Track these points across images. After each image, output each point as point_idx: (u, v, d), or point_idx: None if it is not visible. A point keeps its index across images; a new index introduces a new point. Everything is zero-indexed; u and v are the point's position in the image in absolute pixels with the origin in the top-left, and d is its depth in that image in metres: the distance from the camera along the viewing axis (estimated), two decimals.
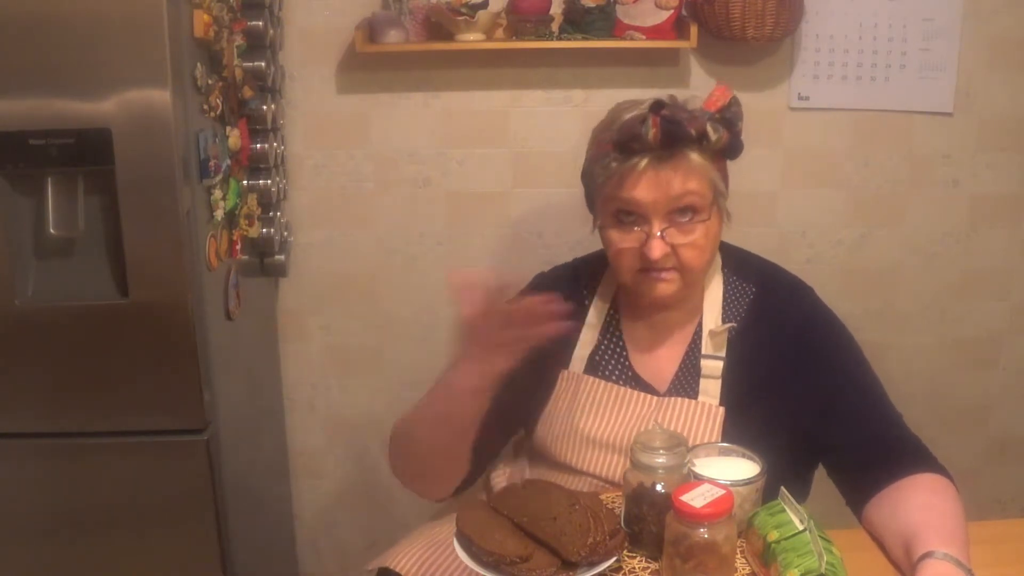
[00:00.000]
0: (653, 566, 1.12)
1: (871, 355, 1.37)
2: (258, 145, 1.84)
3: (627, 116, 1.26)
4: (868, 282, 2.21)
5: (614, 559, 1.07)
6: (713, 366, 1.33)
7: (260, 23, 1.77)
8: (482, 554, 1.05)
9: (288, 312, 2.20)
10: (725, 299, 1.38)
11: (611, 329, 1.41)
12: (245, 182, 1.83)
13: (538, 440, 1.41)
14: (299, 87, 2.04)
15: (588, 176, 1.34)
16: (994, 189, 2.16)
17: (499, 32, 1.97)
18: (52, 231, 1.48)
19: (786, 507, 1.09)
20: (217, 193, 1.62)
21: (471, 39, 1.91)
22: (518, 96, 2.06)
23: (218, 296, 1.66)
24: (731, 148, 1.28)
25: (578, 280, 1.45)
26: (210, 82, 1.57)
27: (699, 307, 1.38)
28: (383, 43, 1.92)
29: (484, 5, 1.89)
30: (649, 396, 1.35)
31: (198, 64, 1.53)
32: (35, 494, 1.60)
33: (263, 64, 1.80)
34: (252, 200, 1.84)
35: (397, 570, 1.23)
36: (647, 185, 1.24)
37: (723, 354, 1.34)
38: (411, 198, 2.12)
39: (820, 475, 1.37)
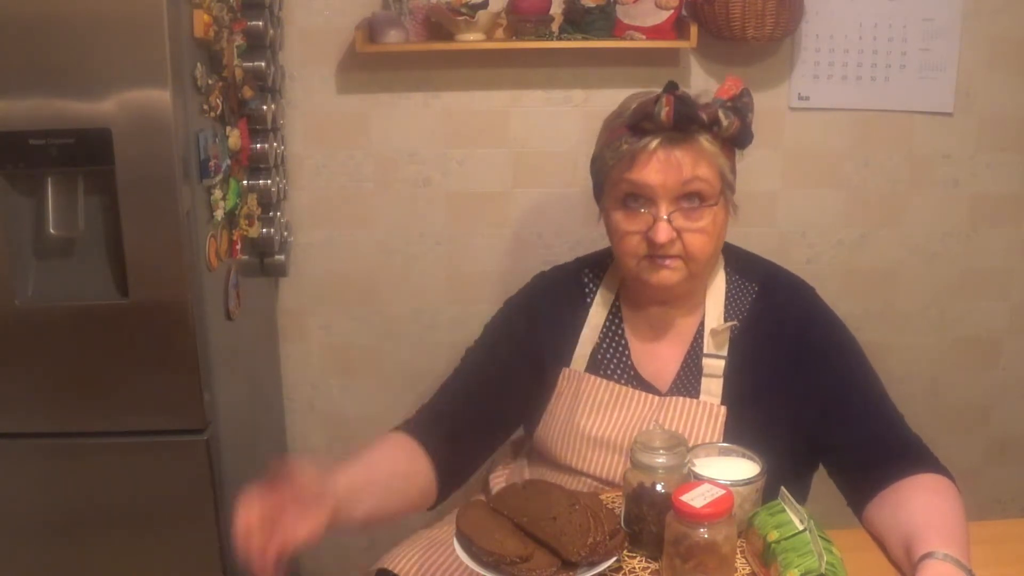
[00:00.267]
0: (653, 566, 1.12)
1: (871, 355, 1.37)
2: (258, 145, 1.84)
3: (639, 103, 1.27)
4: (868, 282, 2.21)
5: (614, 559, 1.07)
6: (715, 365, 1.33)
7: (260, 23, 1.77)
8: (482, 554, 1.05)
9: (288, 312, 2.20)
10: (727, 298, 1.38)
11: (613, 327, 1.41)
12: (245, 182, 1.83)
13: (538, 440, 1.42)
14: (299, 87, 2.04)
15: (598, 162, 1.34)
16: (994, 189, 2.16)
17: (499, 32, 1.97)
18: (52, 231, 1.48)
19: (786, 507, 1.09)
20: (217, 193, 1.62)
21: (471, 39, 1.91)
22: (518, 96, 2.06)
23: (218, 296, 1.66)
24: (741, 136, 1.29)
25: (580, 278, 1.45)
26: (210, 82, 1.57)
27: (701, 305, 1.38)
28: (383, 43, 1.92)
29: (484, 5, 1.89)
30: (650, 395, 1.35)
31: (198, 64, 1.53)
32: (35, 494, 1.60)
33: (263, 64, 1.80)
34: (252, 200, 1.84)
35: (396, 572, 1.23)
36: (658, 166, 1.25)
37: (725, 353, 1.34)
38: (411, 198, 2.12)
39: (820, 475, 1.37)
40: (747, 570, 1.11)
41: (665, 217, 1.25)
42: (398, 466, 1.28)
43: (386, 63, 2.02)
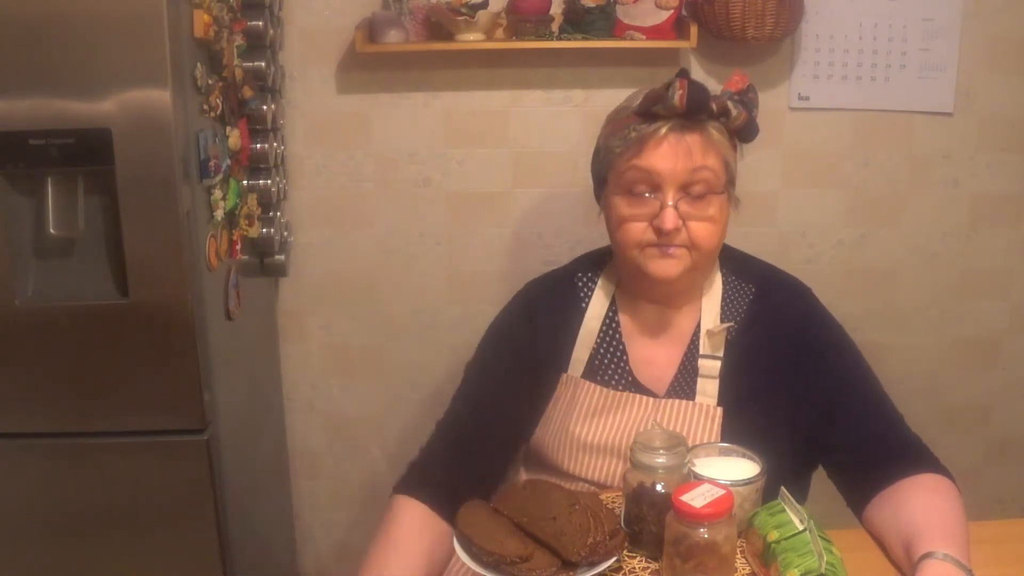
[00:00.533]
0: (653, 566, 1.12)
1: (871, 355, 1.37)
2: (258, 145, 1.84)
3: (650, 90, 1.27)
4: (868, 282, 2.21)
5: (614, 559, 1.07)
6: (711, 366, 1.33)
7: (260, 23, 1.77)
8: (482, 554, 1.05)
9: (288, 312, 2.20)
10: (724, 299, 1.37)
11: (610, 330, 1.40)
12: (245, 182, 1.83)
13: (535, 445, 1.41)
14: (299, 87, 2.04)
15: (601, 154, 1.34)
16: (994, 189, 2.16)
17: (499, 32, 1.97)
18: (52, 231, 1.48)
19: (786, 507, 1.09)
20: (217, 193, 1.62)
21: (471, 39, 1.91)
22: (518, 96, 2.06)
23: (218, 296, 1.66)
24: (748, 129, 1.30)
25: (574, 281, 1.44)
26: (210, 82, 1.57)
27: (698, 307, 1.38)
28: (383, 43, 1.92)
29: (484, 5, 1.89)
30: (646, 398, 1.35)
31: (198, 64, 1.52)
32: (35, 494, 1.60)
33: (263, 64, 1.80)
34: (252, 200, 1.84)
35: None
36: (668, 150, 1.25)
37: (721, 354, 1.34)
38: (411, 198, 2.12)
39: (820, 475, 1.37)
40: (747, 570, 1.11)
41: (672, 204, 1.25)
42: (428, 551, 1.23)
43: (386, 63, 2.02)
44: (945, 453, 1.28)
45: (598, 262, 1.45)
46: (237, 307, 1.75)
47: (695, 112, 1.25)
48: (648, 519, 1.10)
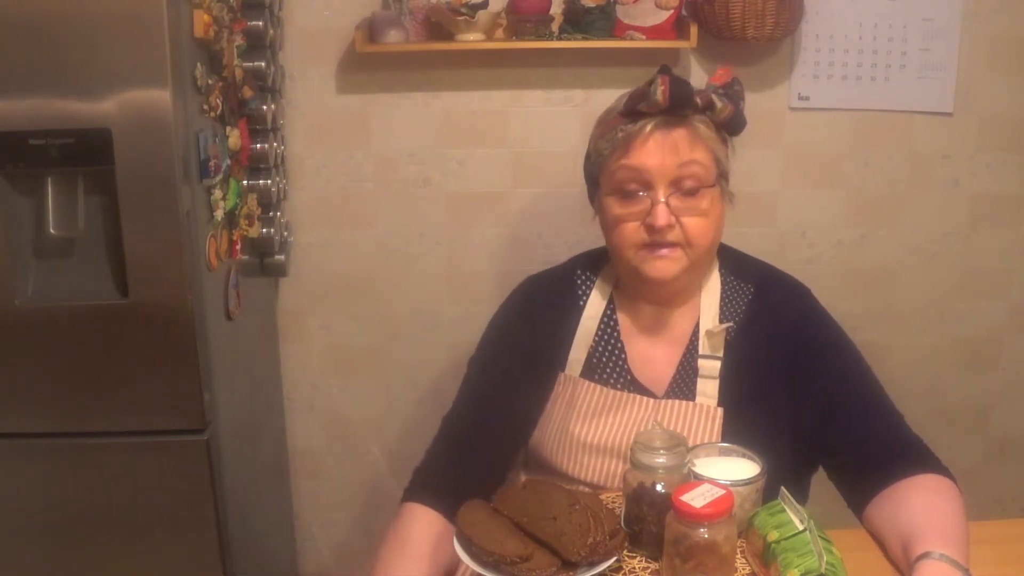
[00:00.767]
0: (653, 566, 1.12)
1: (871, 355, 1.37)
2: (258, 145, 1.84)
3: (634, 89, 1.28)
4: (868, 282, 2.21)
5: (614, 559, 1.07)
6: (711, 366, 1.33)
7: (260, 23, 1.77)
8: (482, 554, 1.05)
9: (288, 312, 2.20)
10: (723, 299, 1.37)
11: (609, 329, 1.40)
12: (245, 182, 1.83)
13: (535, 446, 1.40)
14: (299, 87, 2.04)
15: (592, 157, 1.34)
16: (994, 189, 2.16)
17: (499, 32, 1.97)
18: (52, 231, 1.48)
19: (786, 507, 1.09)
20: (217, 193, 1.62)
21: (471, 39, 1.91)
22: (518, 96, 2.06)
23: (218, 296, 1.66)
24: (734, 121, 1.30)
25: (573, 279, 1.44)
26: (210, 82, 1.57)
27: (697, 306, 1.37)
28: (383, 43, 1.92)
29: (484, 5, 1.89)
30: (647, 399, 1.34)
31: (198, 64, 1.52)
32: (35, 494, 1.59)
33: (263, 64, 1.80)
34: (252, 200, 1.84)
35: None
36: (654, 148, 1.25)
37: (721, 354, 1.34)
38: (411, 198, 2.12)
39: (820, 475, 1.37)
40: (747, 570, 1.11)
41: (663, 200, 1.25)
42: (437, 556, 1.23)
43: (386, 63, 2.02)
44: (945, 453, 1.28)
45: (596, 261, 1.45)
46: (237, 307, 1.75)
47: (679, 107, 1.25)
48: (648, 519, 1.10)
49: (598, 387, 1.36)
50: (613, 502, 1.22)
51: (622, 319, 1.40)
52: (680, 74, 2.00)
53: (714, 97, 1.27)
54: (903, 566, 1.10)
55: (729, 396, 1.32)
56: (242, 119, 1.78)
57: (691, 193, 1.26)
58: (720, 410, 1.31)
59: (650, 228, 1.26)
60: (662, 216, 1.25)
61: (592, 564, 1.05)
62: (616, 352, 1.39)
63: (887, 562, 1.15)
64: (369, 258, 2.16)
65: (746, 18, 1.86)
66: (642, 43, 1.91)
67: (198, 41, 1.52)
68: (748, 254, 1.45)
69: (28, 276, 1.51)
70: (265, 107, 1.83)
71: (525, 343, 1.40)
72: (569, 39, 1.92)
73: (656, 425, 1.17)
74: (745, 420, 1.30)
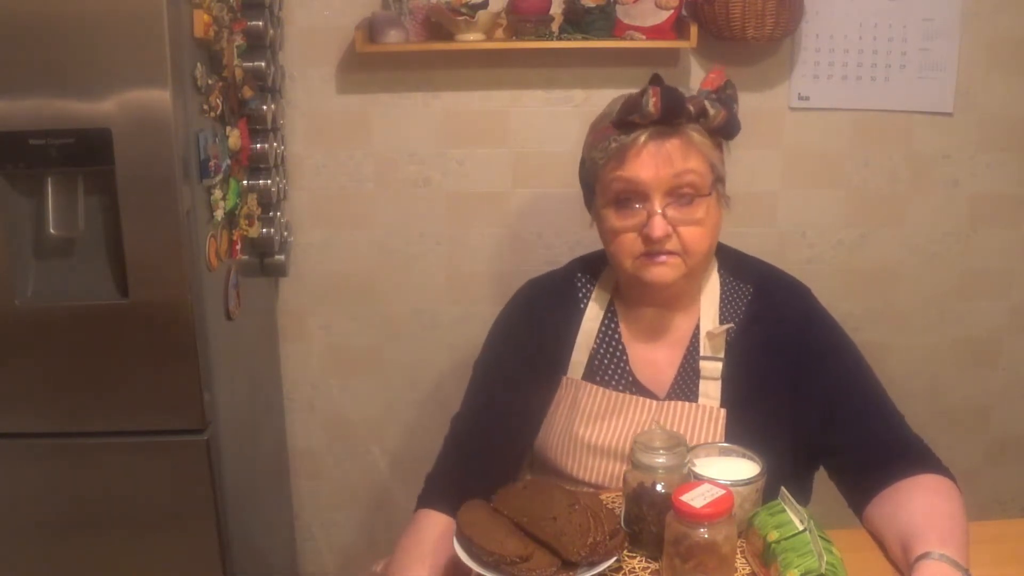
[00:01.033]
0: (653, 566, 1.12)
1: (871, 355, 1.37)
2: (258, 145, 1.84)
3: (625, 99, 1.27)
4: (868, 282, 2.21)
5: (614, 559, 1.07)
6: (712, 367, 1.33)
7: (260, 23, 1.77)
8: (482, 554, 1.05)
9: (288, 312, 2.20)
10: (722, 300, 1.37)
11: (610, 332, 1.40)
12: (245, 182, 1.83)
13: (539, 449, 1.41)
14: (299, 87, 2.04)
15: (587, 165, 1.34)
16: (994, 189, 2.16)
17: (499, 32, 1.97)
18: (52, 231, 1.48)
19: (786, 507, 1.09)
20: (217, 193, 1.62)
21: (471, 39, 1.91)
22: (518, 96, 2.06)
23: (218, 296, 1.66)
24: (728, 126, 1.28)
25: (573, 282, 1.44)
26: (210, 82, 1.57)
27: (696, 307, 1.37)
28: (383, 43, 1.92)
29: (484, 5, 1.89)
30: (649, 401, 1.35)
31: (198, 64, 1.52)
32: (35, 494, 1.60)
33: (263, 64, 1.80)
34: (252, 200, 1.84)
35: None
36: (648, 160, 1.24)
37: (722, 355, 1.34)
38: (411, 198, 2.12)
39: (820, 475, 1.37)
40: (747, 570, 1.11)
41: (659, 211, 1.25)
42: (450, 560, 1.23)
43: (386, 63, 2.02)
44: (945, 453, 1.28)
45: (595, 264, 1.45)
46: (237, 307, 1.75)
47: (671, 117, 1.24)
48: (648, 519, 1.10)
49: (600, 389, 1.36)
50: (613, 502, 1.22)
51: (622, 321, 1.41)
52: (680, 74, 2.02)
53: (707, 104, 1.26)
54: (903, 566, 1.10)
55: (731, 397, 1.32)
56: (242, 119, 1.78)
57: (687, 203, 1.26)
58: (723, 411, 1.31)
59: (647, 239, 1.26)
60: (659, 228, 1.25)
61: (592, 564, 1.05)
62: (617, 354, 1.39)
63: (887, 562, 1.15)
64: (369, 258, 2.16)
65: (746, 18, 1.86)
66: (642, 43, 1.91)
67: (198, 41, 1.52)
68: (747, 254, 1.45)
69: (28, 276, 1.51)
70: (265, 107, 1.83)
71: (528, 346, 1.40)
72: (569, 39, 1.92)
73: (656, 425, 1.17)
74: (747, 421, 1.30)
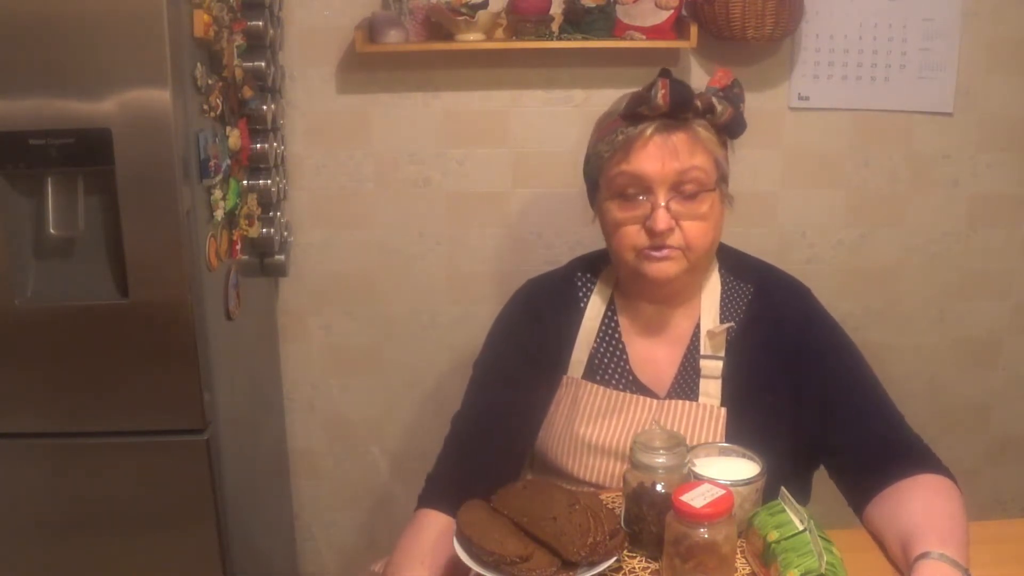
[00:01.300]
0: (653, 566, 1.12)
1: (871, 355, 1.37)
2: (258, 145, 1.84)
3: (634, 92, 1.27)
4: (868, 282, 2.21)
5: (614, 559, 1.07)
6: (713, 366, 1.33)
7: (260, 23, 1.77)
8: (482, 554, 1.05)
9: (288, 312, 2.20)
10: (723, 299, 1.37)
11: (610, 330, 1.40)
12: (245, 182, 1.83)
13: (539, 448, 1.41)
14: (299, 87, 2.04)
15: (592, 160, 1.34)
16: (994, 189, 2.16)
17: (499, 32, 1.97)
18: (52, 231, 1.48)
19: (786, 507, 1.09)
20: (217, 193, 1.62)
21: (471, 39, 1.91)
22: (518, 96, 2.06)
23: (218, 296, 1.66)
24: (734, 124, 1.29)
25: (573, 281, 1.44)
26: (210, 82, 1.57)
27: (697, 306, 1.38)
28: (383, 43, 1.92)
29: (484, 5, 1.89)
30: (649, 400, 1.35)
31: (198, 64, 1.52)
32: (35, 494, 1.59)
33: (263, 64, 1.80)
34: (252, 200, 1.84)
35: None
36: (655, 152, 1.25)
37: (722, 354, 1.34)
38: (411, 198, 2.12)
39: (820, 475, 1.37)
40: (747, 570, 1.11)
41: (663, 204, 1.25)
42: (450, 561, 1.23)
43: (386, 63, 2.02)
44: (945, 453, 1.28)
45: (595, 263, 1.45)
46: (237, 307, 1.75)
47: (679, 110, 1.24)
48: (648, 519, 1.10)
49: (600, 388, 1.36)
50: (613, 502, 1.22)
51: (623, 320, 1.41)
52: (680, 74, 2.02)
53: (714, 100, 1.27)
54: (903, 566, 1.10)
55: (732, 396, 1.32)
56: (242, 119, 1.78)
57: (691, 197, 1.26)
58: (723, 410, 1.31)
59: (650, 232, 1.26)
60: (662, 220, 1.25)
61: (592, 564, 1.05)
62: (617, 353, 1.39)
63: (887, 562, 1.15)
64: (369, 258, 2.16)
65: (746, 18, 1.86)
66: (642, 43, 1.91)
67: (198, 41, 1.52)
68: (747, 254, 1.45)
69: (28, 276, 1.51)
70: (265, 107, 1.83)
71: (528, 345, 1.40)
72: (569, 39, 1.92)
73: (656, 425, 1.17)
74: (747, 420, 1.30)
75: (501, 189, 2.12)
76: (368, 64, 2.01)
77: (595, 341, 1.39)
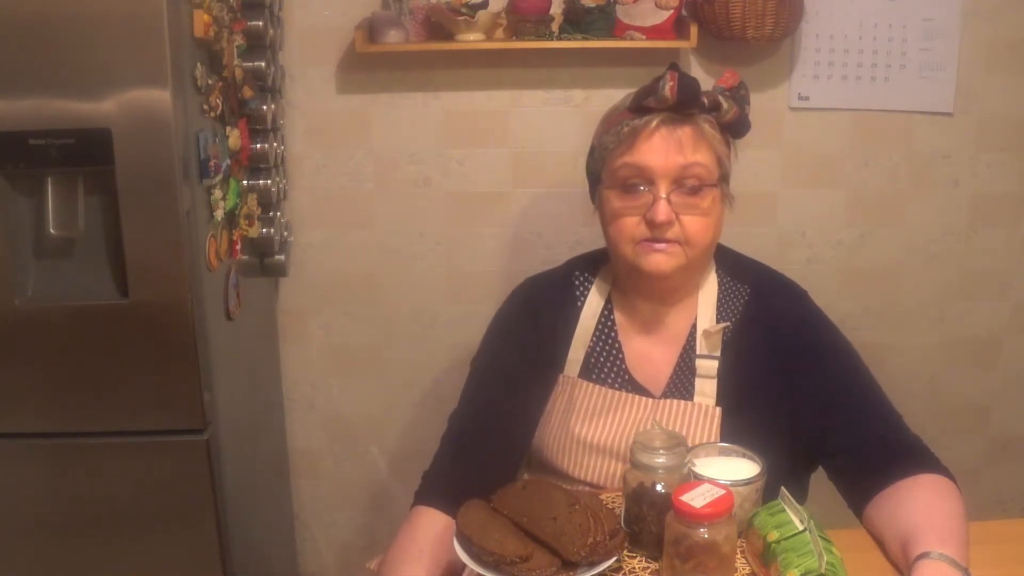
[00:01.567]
0: (653, 566, 1.12)
1: (871, 355, 1.37)
2: (258, 145, 1.84)
3: (641, 86, 1.28)
4: (868, 282, 2.21)
5: (614, 559, 1.07)
6: (708, 366, 1.33)
7: (260, 23, 1.77)
8: (482, 554, 1.05)
9: (288, 312, 2.20)
10: (719, 299, 1.37)
11: (606, 329, 1.40)
12: (245, 182, 1.83)
13: (536, 448, 1.41)
14: (299, 87, 2.04)
15: (596, 152, 1.34)
16: (994, 189, 2.16)
17: (499, 32, 1.97)
18: (52, 231, 1.48)
19: (786, 507, 1.09)
20: (217, 193, 1.62)
21: (471, 39, 1.91)
22: (518, 96, 2.06)
23: (218, 296, 1.66)
24: (739, 124, 1.30)
25: (571, 280, 1.44)
26: (210, 82, 1.57)
27: (694, 306, 1.38)
28: (383, 43, 1.92)
29: (484, 5, 1.89)
30: (645, 399, 1.35)
31: (198, 64, 1.53)
32: (34, 494, 1.59)
33: (263, 64, 1.80)
34: (252, 200, 1.84)
35: None
36: (660, 143, 1.25)
37: (718, 354, 1.34)
38: (411, 198, 2.12)
39: (820, 475, 1.37)
40: (747, 570, 1.11)
41: (664, 196, 1.25)
42: (446, 558, 1.23)
43: (386, 63, 2.02)
44: (945, 453, 1.28)
45: (594, 262, 1.45)
46: (237, 307, 1.75)
47: (686, 104, 1.25)
48: (648, 519, 1.10)
49: (596, 387, 1.36)
50: (613, 502, 1.22)
51: (619, 318, 1.41)
52: None
53: (721, 98, 1.28)
54: (902, 566, 1.10)
55: (727, 396, 1.32)
56: (242, 119, 1.78)
57: (693, 191, 1.26)
58: (718, 410, 1.31)
59: (650, 223, 1.26)
60: (663, 212, 1.25)
61: (592, 564, 1.05)
62: (614, 352, 1.39)
63: (887, 562, 1.15)
64: (369, 258, 2.16)
65: (746, 18, 1.86)
66: (642, 43, 1.91)
67: (198, 41, 1.52)
68: (744, 255, 1.45)
69: (28, 276, 1.51)
70: (265, 107, 1.83)
71: (525, 344, 1.40)
72: (569, 39, 1.92)
73: (656, 425, 1.17)
74: (743, 420, 1.30)
75: (501, 189, 2.12)
76: (368, 64, 2.01)
77: (591, 339, 1.39)
